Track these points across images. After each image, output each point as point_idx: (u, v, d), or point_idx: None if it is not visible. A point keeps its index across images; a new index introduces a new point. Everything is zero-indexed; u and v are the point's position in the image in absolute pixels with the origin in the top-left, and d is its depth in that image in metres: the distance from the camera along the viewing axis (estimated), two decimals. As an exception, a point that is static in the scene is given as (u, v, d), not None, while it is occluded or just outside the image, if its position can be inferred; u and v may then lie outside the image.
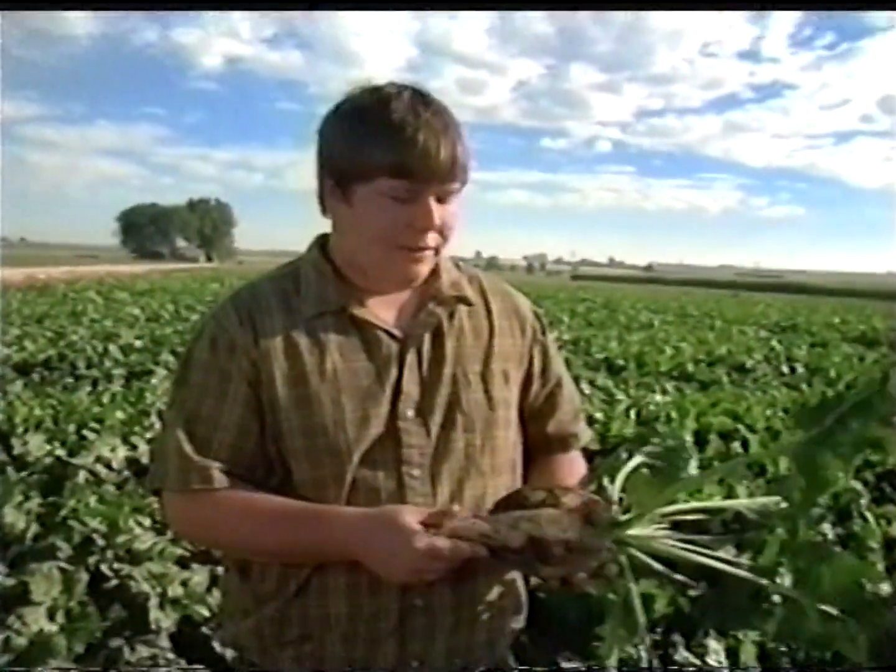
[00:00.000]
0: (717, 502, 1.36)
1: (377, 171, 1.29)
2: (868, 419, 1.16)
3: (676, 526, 1.31)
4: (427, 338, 1.41)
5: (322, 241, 1.47)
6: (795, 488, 1.23)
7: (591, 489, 1.32)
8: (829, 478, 1.19)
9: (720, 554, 1.25)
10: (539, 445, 1.56)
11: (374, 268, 1.40)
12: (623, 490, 1.35)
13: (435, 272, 1.45)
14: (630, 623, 1.25)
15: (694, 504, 1.35)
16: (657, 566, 1.24)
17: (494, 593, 1.43)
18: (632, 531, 1.25)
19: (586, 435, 1.62)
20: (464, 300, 1.46)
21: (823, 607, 1.16)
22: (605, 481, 1.40)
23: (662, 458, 1.44)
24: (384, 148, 1.28)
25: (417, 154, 1.27)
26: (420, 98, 1.33)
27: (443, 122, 1.32)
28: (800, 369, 11.81)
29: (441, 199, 1.33)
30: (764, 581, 1.21)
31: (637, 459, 1.44)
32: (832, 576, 1.19)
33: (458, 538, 1.21)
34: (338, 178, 1.35)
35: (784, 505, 1.25)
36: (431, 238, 1.34)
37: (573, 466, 1.57)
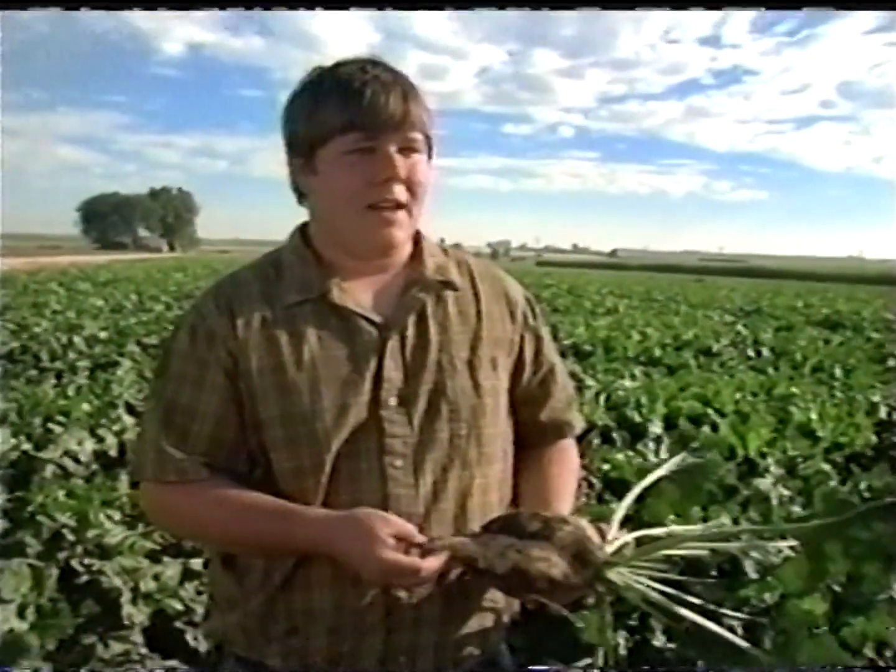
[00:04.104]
0: (718, 544, 1.34)
1: (332, 131, 1.30)
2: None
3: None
4: (411, 323, 1.38)
5: (303, 229, 1.46)
6: (796, 572, 1.18)
7: (588, 519, 1.30)
8: (833, 571, 1.13)
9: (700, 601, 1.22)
10: (533, 433, 1.53)
11: (349, 236, 1.39)
12: (641, 498, 1.32)
13: (419, 257, 1.44)
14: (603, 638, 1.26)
15: (695, 545, 1.31)
16: (638, 602, 1.23)
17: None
18: (618, 570, 1.24)
19: (580, 423, 1.60)
20: (449, 285, 1.44)
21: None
22: (614, 511, 1.36)
23: (689, 473, 1.41)
24: (335, 106, 1.30)
25: (366, 105, 1.28)
26: (370, 61, 1.35)
27: (392, 76, 1.33)
28: (766, 353, 11.93)
29: (404, 152, 1.33)
30: (738, 641, 1.17)
31: (661, 472, 1.42)
32: (813, 653, 1.13)
33: (448, 554, 1.22)
34: (302, 151, 1.36)
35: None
36: (399, 191, 1.33)
37: (565, 458, 1.55)
